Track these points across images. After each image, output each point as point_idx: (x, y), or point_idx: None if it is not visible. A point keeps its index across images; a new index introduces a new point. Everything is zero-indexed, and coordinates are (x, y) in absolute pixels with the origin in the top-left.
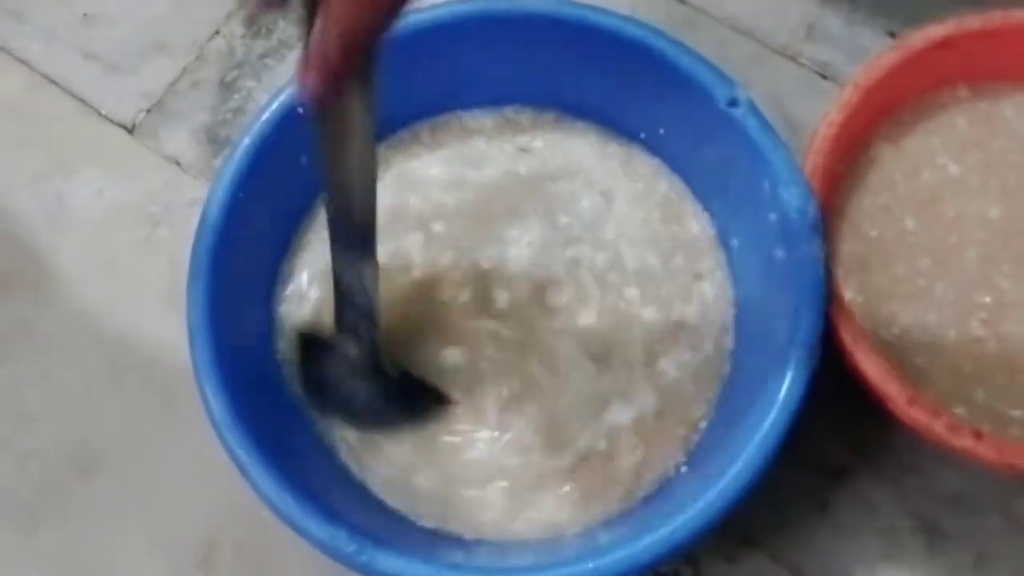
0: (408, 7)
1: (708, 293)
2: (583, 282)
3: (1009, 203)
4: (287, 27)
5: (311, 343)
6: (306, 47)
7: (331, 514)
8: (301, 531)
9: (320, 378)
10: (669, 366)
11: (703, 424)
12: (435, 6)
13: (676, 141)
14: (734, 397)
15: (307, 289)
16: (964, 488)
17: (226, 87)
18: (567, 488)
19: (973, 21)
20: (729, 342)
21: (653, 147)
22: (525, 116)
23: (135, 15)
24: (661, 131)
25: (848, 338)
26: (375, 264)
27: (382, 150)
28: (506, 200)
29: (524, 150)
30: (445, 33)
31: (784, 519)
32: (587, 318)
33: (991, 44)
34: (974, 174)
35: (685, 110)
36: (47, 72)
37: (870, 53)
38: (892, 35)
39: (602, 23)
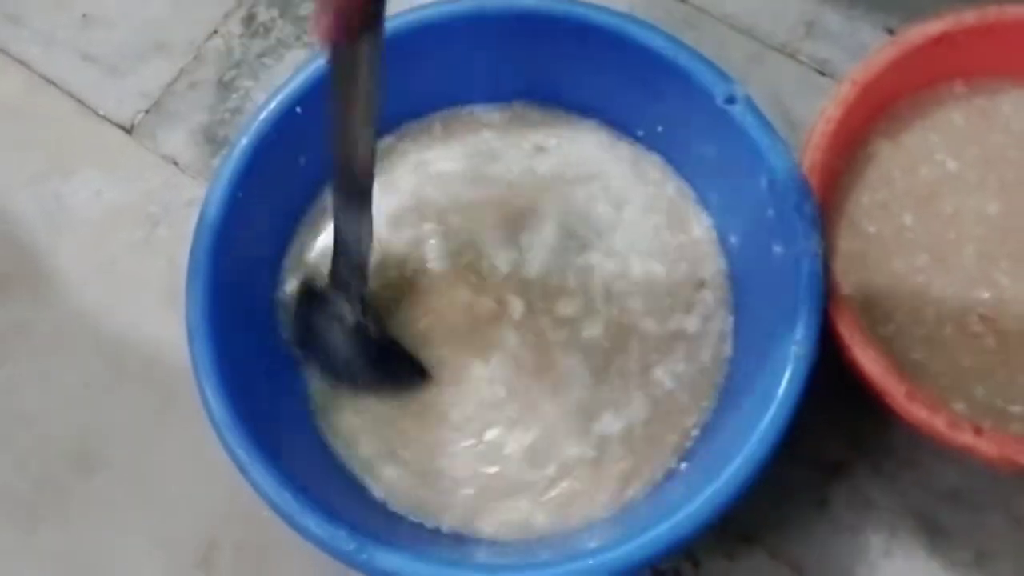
0: None
1: (709, 301)
2: (593, 292)
3: (1007, 199)
4: (285, 26)
5: (310, 292)
6: None
7: (330, 513)
8: (301, 530)
9: (309, 326)
10: (664, 376)
11: (695, 432)
12: (436, 4)
13: (675, 138)
14: (733, 394)
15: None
16: (963, 484)
17: (224, 87)
18: (552, 494)
19: (969, 17)
20: (727, 350)
21: (652, 145)
22: (534, 112)
23: (133, 16)
24: (659, 128)
25: (846, 334)
26: (370, 219)
27: (394, 140)
28: (524, 199)
29: (540, 149)
30: (446, 29)
31: (783, 515)
32: (592, 330)
33: (988, 40)
34: (972, 170)
35: (683, 107)
36: (46, 73)
37: (869, 50)
38: (890, 32)
39: (600, 21)
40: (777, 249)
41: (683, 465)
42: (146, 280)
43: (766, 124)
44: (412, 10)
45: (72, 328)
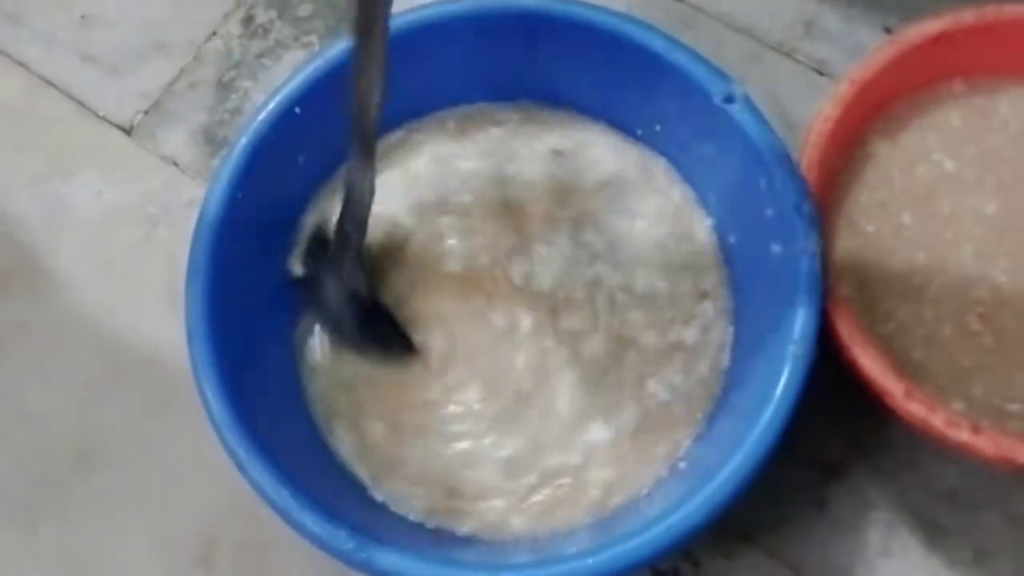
0: None
1: (709, 312)
2: (598, 306)
3: (1005, 199)
4: (284, 28)
5: (320, 239)
6: None
7: (330, 512)
8: (299, 528)
9: (315, 273)
10: (659, 387)
11: (687, 443)
12: (435, 4)
13: (673, 138)
14: (730, 396)
15: None
16: (962, 484)
17: (223, 87)
18: (534, 500)
19: (968, 17)
20: (725, 360)
21: (651, 144)
22: (543, 113)
23: (133, 17)
24: (658, 128)
25: (845, 333)
26: (373, 171)
27: (405, 134)
28: (541, 205)
29: (557, 152)
30: (445, 29)
31: (782, 515)
32: (594, 345)
33: (986, 39)
34: (970, 170)
35: (681, 107)
36: (45, 74)
37: (867, 50)
38: (888, 31)
39: (598, 21)
40: (776, 248)
41: (682, 465)
42: (146, 280)
43: (764, 123)
44: (412, 10)
45: (72, 328)
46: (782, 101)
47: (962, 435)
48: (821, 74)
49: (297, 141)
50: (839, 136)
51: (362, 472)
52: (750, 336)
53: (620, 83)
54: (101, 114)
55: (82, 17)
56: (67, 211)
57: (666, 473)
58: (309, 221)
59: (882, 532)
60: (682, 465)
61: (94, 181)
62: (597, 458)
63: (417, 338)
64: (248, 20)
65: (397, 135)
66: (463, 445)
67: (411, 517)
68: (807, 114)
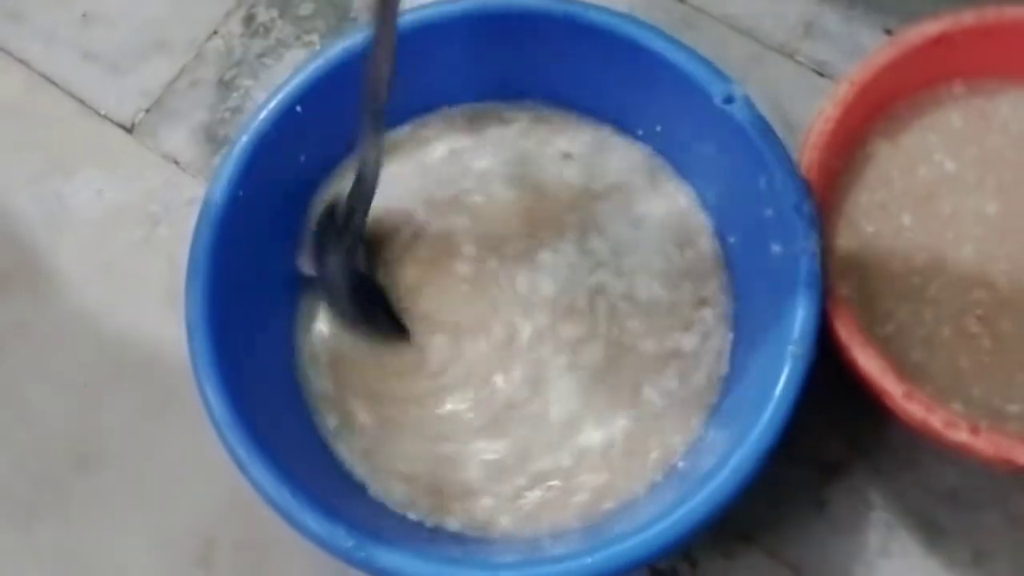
0: None
1: (709, 319)
2: (598, 314)
3: (1006, 200)
4: (285, 27)
5: (331, 213)
6: None
7: (330, 511)
8: (299, 527)
9: (322, 245)
10: (654, 394)
11: (682, 449)
12: (436, 4)
13: (673, 138)
14: (729, 397)
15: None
16: (961, 484)
17: (224, 86)
18: (523, 500)
19: (968, 18)
20: (723, 367)
21: (652, 144)
22: (551, 113)
23: (134, 15)
24: (658, 128)
25: (844, 333)
26: (380, 145)
27: (413, 128)
28: (551, 211)
29: (567, 155)
30: (445, 29)
31: (781, 515)
32: (592, 354)
33: (986, 41)
34: (970, 171)
35: (682, 107)
36: (46, 72)
37: (867, 51)
38: (889, 33)
39: (599, 21)
40: (776, 248)
41: (680, 464)
42: (146, 279)
43: (764, 123)
44: (413, 9)
45: (72, 327)
46: (782, 102)
47: (961, 436)
48: (821, 75)
49: (298, 140)
50: (839, 137)
51: (360, 470)
52: (750, 337)
53: (621, 83)
54: (102, 112)
55: (83, 15)
56: (68, 210)
57: (661, 478)
58: (313, 213)
59: (882, 532)
60: (681, 465)
61: (95, 180)
62: (588, 462)
63: (420, 339)
64: (249, 19)
65: (405, 130)
66: (450, 446)
67: (410, 515)
68: (807, 115)
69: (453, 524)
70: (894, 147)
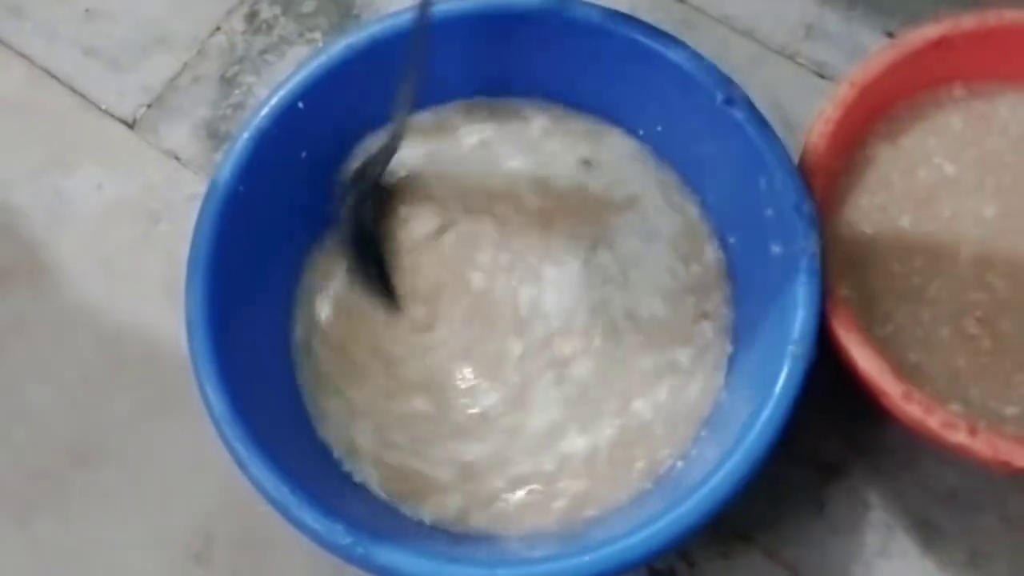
0: None
1: (708, 333)
2: (595, 330)
3: (1004, 202)
4: (287, 23)
5: (363, 169)
6: None
7: (328, 508)
8: (297, 524)
9: (342, 191)
10: (645, 407)
11: (670, 461)
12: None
13: (674, 138)
14: (730, 394)
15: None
16: (959, 485)
17: (226, 82)
18: (500, 501)
19: (968, 21)
20: (719, 380)
21: (652, 144)
22: (572, 117)
23: (136, 11)
24: (659, 128)
25: (843, 333)
26: (409, 106)
27: (435, 116)
28: (567, 223)
29: (587, 162)
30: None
31: (779, 515)
32: (582, 368)
33: (986, 44)
34: (970, 173)
35: (683, 107)
36: (48, 67)
37: (868, 53)
38: (889, 35)
39: (600, 21)
40: (775, 249)
41: (679, 463)
42: (146, 275)
43: (765, 124)
44: (409, 9)
45: (72, 322)
46: (783, 103)
47: (959, 437)
48: (822, 77)
49: (300, 136)
50: (839, 138)
51: (340, 454)
52: (749, 341)
53: (622, 84)
54: (103, 108)
55: (86, 11)
56: (68, 205)
57: (651, 485)
58: (348, 167)
59: (880, 533)
60: (679, 464)
61: (95, 175)
62: (571, 468)
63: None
64: (252, 16)
65: (427, 115)
66: (423, 444)
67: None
68: (807, 116)
69: (427, 517)
70: (894, 149)
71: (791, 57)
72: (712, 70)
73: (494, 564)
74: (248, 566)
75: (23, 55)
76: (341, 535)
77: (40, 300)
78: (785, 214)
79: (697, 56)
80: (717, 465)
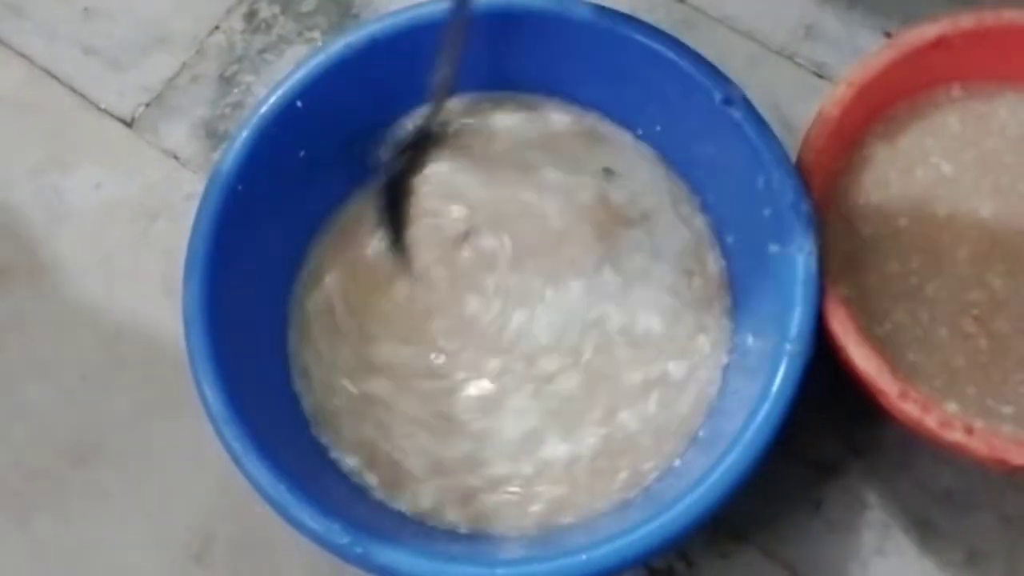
0: None
1: (704, 347)
2: (585, 346)
3: (1002, 203)
4: (287, 23)
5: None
6: None
7: (326, 507)
8: (295, 523)
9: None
10: (631, 419)
11: (653, 474)
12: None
13: (673, 138)
14: (727, 394)
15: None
16: (956, 485)
17: (225, 82)
18: (476, 500)
19: (967, 21)
20: (712, 392)
21: (652, 143)
22: (599, 125)
23: (135, 10)
24: (658, 128)
25: (841, 332)
26: (453, 67)
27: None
28: (581, 243)
29: (609, 172)
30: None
31: (777, 515)
32: (567, 383)
33: (984, 44)
34: (967, 174)
35: (682, 107)
36: (47, 66)
37: (866, 53)
38: (888, 35)
39: (601, 21)
40: (773, 248)
41: (676, 462)
42: (145, 273)
43: (763, 124)
44: (413, 6)
45: (70, 320)
46: (782, 103)
47: (955, 435)
48: (821, 77)
49: (298, 135)
50: (837, 138)
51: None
52: (746, 338)
53: (622, 83)
54: (102, 107)
55: (85, 10)
56: (67, 203)
57: (634, 494)
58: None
59: (877, 532)
60: (677, 463)
61: (94, 174)
62: (550, 474)
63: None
64: (251, 15)
65: (461, 102)
66: (396, 434)
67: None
68: (806, 116)
69: (402, 507)
70: (892, 149)
71: (790, 57)
72: (711, 70)
73: (493, 563)
74: (248, 566)
75: (22, 54)
76: (339, 534)
77: (39, 299)
78: (783, 213)
79: (696, 56)
80: (716, 462)
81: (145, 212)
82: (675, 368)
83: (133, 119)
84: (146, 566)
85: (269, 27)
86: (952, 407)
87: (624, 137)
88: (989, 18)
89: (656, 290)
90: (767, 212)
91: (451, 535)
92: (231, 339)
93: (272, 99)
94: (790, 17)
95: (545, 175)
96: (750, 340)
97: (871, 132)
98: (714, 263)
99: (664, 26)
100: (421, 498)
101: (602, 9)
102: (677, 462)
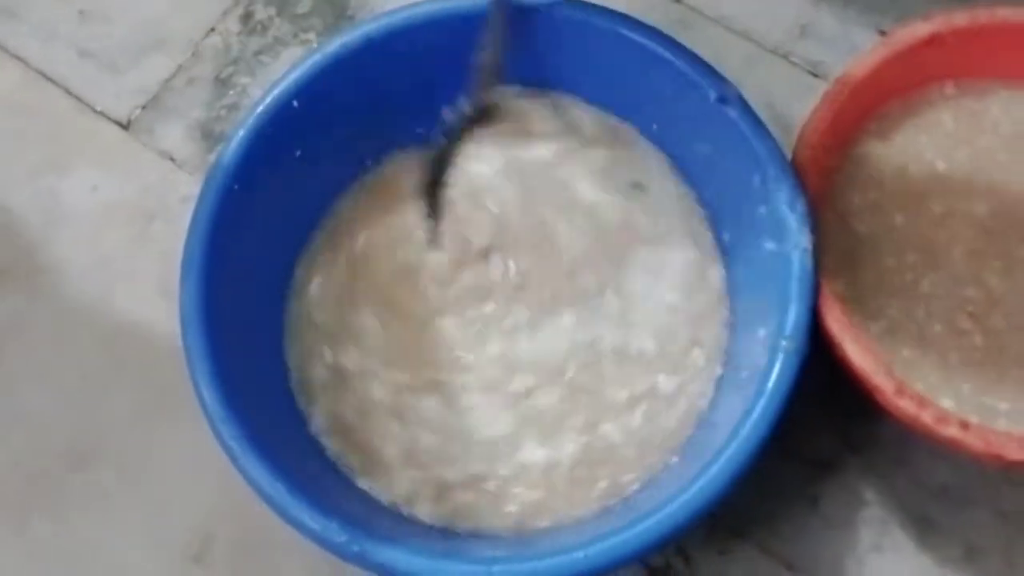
0: None
1: (699, 362)
2: (569, 363)
3: (997, 200)
4: (282, 24)
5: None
6: None
7: (324, 506)
8: (294, 523)
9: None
10: (614, 431)
11: (635, 486)
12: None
13: (670, 136)
14: (725, 392)
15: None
16: (953, 481)
17: (221, 83)
18: (452, 496)
19: (960, 18)
20: (703, 405)
21: (650, 143)
22: (624, 128)
23: (131, 12)
24: (655, 127)
25: (836, 329)
26: (499, 39)
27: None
28: (596, 260)
29: (638, 186)
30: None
31: (774, 512)
32: (545, 399)
33: (978, 41)
34: (962, 171)
35: (677, 106)
36: (43, 69)
37: (860, 51)
38: (883, 33)
39: (598, 21)
40: (769, 246)
41: (674, 459)
42: (142, 274)
43: (759, 123)
44: (403, 8)
45: (68, 322)
46: (777, 102)
47: (951, 431)
48: (816, 76)
49: (294, 135)
50: (832, 136)
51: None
52: (742, 337)
53: (619, 82)
54: (99, 109)
55: (81, 12)
56: (63, 206)
57: (614, 503)
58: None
59: (874, 528)
60: (674, 460)
61: (91, 176)
62: (528, 477)
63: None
64: (247, 17)
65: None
66: (373, 420)
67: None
68: (801, 115)
69: (383, 496)
70: (886, 146)
71: (785, 56)
72: (706, 69)
73: (489, 561)
74: (247, 566)
75: (18, 57)
76: (336, 533)
77: (37, 301)
78: (778, 211)
79: (692, 55)
80: (713, 459)
81: (142, 214)
82: (665, 382)
83: (129, 121)
84: (146, 567)
85: (265, 29)
86: (948, 403)
87: (638, 137)
88: (982, 16)
89: (654, 310)
90: (763, 210)
91: (451, 534)
92: (228, 339)
93: (268, 99)
94: (786, 16)
95: (576, 191)
96: (745, 337)
97: (865, 130)
98: (715, 276)
99: (661, 26)
100: (395, 487)
101: (597, 8)
102: (660, 474)
